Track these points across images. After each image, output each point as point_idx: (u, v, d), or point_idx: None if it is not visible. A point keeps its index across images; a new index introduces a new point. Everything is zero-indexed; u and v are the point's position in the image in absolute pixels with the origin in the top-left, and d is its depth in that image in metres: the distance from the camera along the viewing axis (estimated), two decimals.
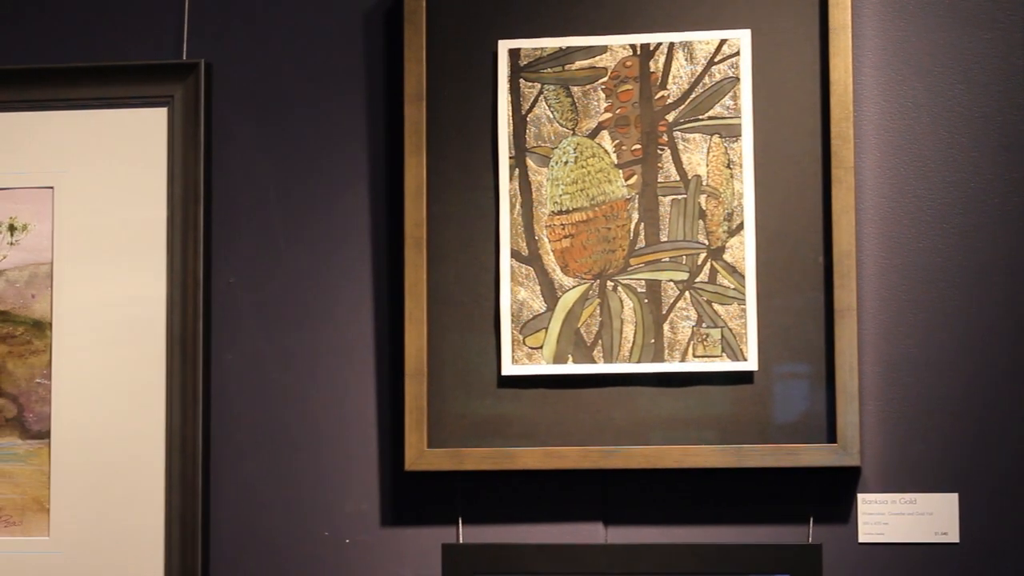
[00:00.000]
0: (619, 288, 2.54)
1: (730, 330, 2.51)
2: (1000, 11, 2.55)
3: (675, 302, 2.53)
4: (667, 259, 2.54)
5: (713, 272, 2.52)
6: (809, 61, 2.53)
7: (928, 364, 2.52)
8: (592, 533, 2.56)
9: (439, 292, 2.57)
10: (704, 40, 2.54)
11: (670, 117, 2.55)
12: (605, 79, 2.56)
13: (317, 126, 2.66)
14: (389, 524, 2.60)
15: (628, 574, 2.49)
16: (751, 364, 2.50)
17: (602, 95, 2.56)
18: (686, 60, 2.55)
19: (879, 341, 2.52)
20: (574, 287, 2.55)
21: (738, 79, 2.53)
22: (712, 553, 2.48)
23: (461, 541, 2.57)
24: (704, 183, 2.53)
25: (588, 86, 2.57)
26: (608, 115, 2.56)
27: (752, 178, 2.52)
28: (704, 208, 2.53)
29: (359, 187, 2.64)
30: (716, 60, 2.54)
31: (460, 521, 2.57)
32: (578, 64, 2.57)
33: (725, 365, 2.51)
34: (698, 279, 2.52)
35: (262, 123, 2.67)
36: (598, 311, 2.54)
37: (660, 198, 2.54)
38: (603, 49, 2.57)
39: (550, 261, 2.56)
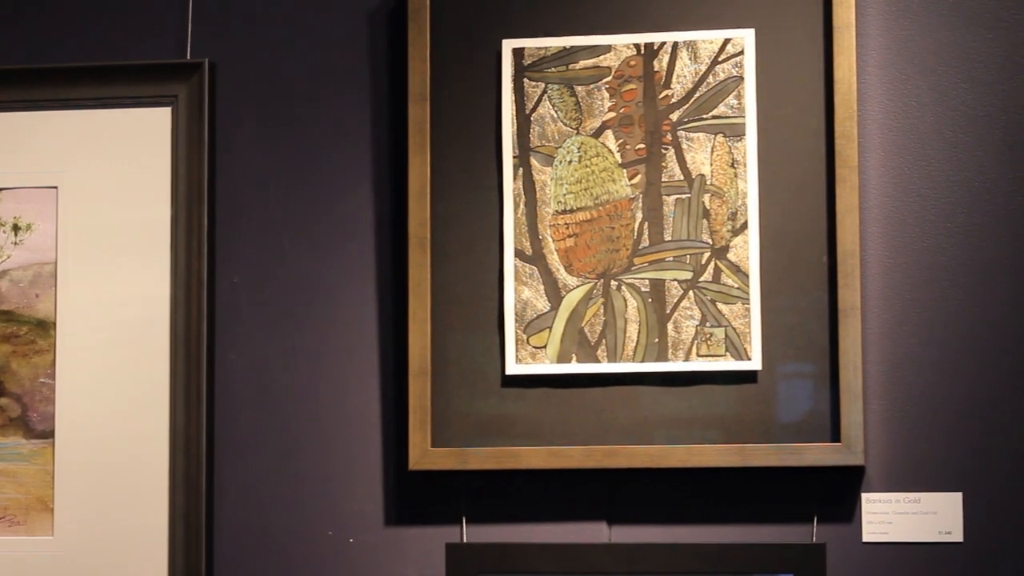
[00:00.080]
0: (623, 287, 2.54)
1: (734, 329, 2.51)
2: (1004, 10, 2.55)
3: (679, 301, 2.52)
4: (671, 258, 2.53)
5: (717, 271, 2.52)
6: (813, 60, 2.53)
7: (932, 363, 2.51)
8: (596, 532, 2.56)
9: (443, 291, 2.57)
10: (708, 39, 2.54)
11: (674, 116, 2.55)
12: (609, 78, 2.56)
13: (321, 126, 2.66)
14: (393, 524, 2.60)
15: (632, 573, 2.49)
16: (755, 363, 2.50)
17: (606, 94, 2.56)
18: (690, 59, 2.55)
19: (883, 340, 2.52)
20: (578, 286, 2.55)
21: (742, 78, 2.53)
22: (716, 553, 2.48)
23: (465, 541, 2.56)
24: (708, 182, 2.53)
25: (592, 85, 2.56)
26: (612, 114, 2.56)
27: (756, 177, 2.52)
28: (708, 207, 2.53)
29: (363, 187, 2.64)
30: (720, 59, 2.54)
31: (464, 520, 2.57)
32: (582, 63, 2.57)
33: (729, 364, 2.51)
34: (702, 278, 2.52)
35: (266, 123, 2.67)
36: (602, 310, 2.54)
37: (664, 197, 2.54)
38: (607, 48, 2.57)
39: (554, 260, 2.55)
